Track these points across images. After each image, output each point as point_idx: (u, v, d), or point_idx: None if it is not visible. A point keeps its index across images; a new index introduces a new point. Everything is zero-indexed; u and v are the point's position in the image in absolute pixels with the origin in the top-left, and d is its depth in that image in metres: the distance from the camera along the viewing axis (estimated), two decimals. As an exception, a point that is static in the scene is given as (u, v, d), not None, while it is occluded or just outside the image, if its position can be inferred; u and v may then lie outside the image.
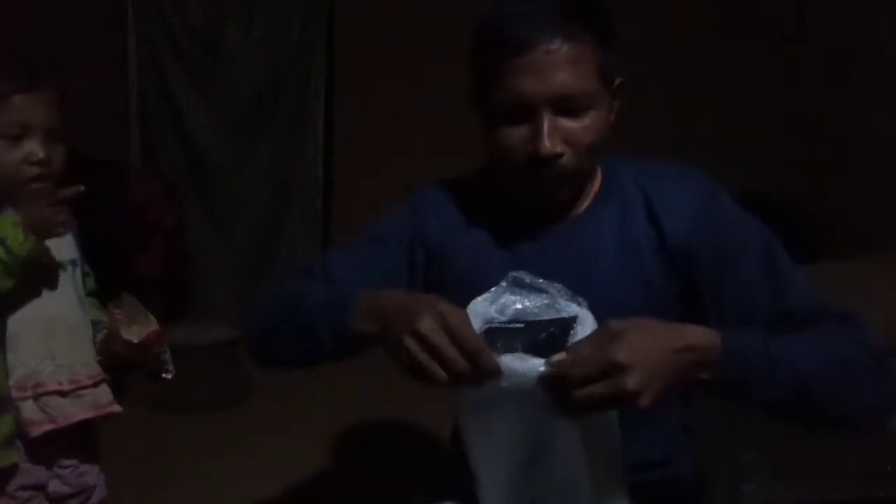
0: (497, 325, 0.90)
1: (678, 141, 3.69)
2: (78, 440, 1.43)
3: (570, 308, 0.89)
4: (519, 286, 0.91)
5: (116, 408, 1.44)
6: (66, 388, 1.35)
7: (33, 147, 1.30)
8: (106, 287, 1.53)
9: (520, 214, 1.12)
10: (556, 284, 0.91)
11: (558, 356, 0.83)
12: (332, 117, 4.32)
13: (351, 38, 4.22)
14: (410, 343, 0.86)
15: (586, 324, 0.87)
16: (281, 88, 4.25)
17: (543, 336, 0.88)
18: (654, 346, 0.81)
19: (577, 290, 1.00)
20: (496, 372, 0.84)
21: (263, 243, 4.38)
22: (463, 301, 1.07)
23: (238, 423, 3.12)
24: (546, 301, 0.89)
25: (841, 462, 1.95)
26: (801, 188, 4.27)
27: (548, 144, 0.98)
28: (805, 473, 1.90)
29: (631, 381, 0.78)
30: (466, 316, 0.89)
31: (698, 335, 0.86)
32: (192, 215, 4.15)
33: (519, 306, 0.89)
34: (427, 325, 0.86)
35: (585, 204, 1.12)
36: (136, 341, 1.36)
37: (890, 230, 3.28)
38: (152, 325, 1.39)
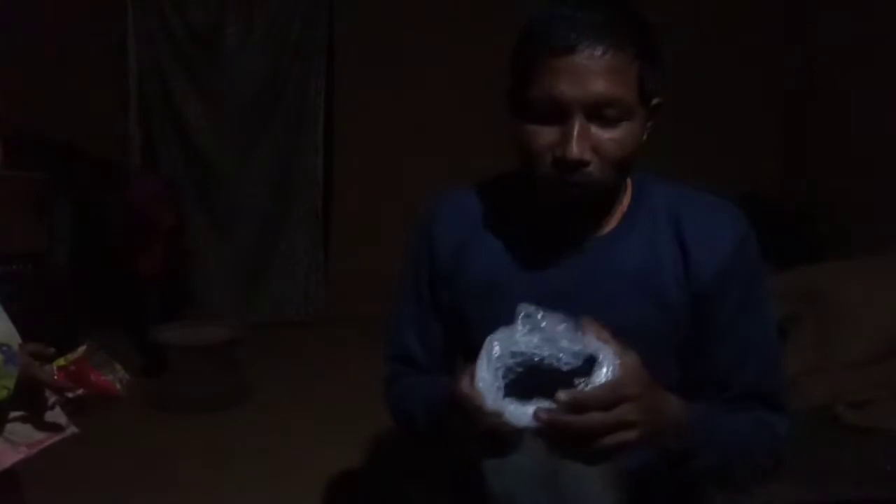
0: (514, 370, 0.88)
1: (678, 141, 3.68)
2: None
3: (589, 347, 0.87)
4: (532, 324, 0.89)
5: (74, 429, 1.34)
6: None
7: None
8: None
9: (544, 229, 1.10)
10: (567, 320, 0.89)
11: (563, 395, 0.84)
12: (332, 117, 4.32)
13: (351, 38, 4.22)
14: None
15: (603, 365, 0.87)
16: (281, 88, 4.26)
17: (563, 377, 0.87)
18: (657, 413, 0.88)
19: (597, 310, 1.01)
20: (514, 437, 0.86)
21: (263, 243, 4.39)
22: (480, 315, 1.07)
23: (238, 423, 3.12)
24: (562, 342, 0.88)
25: (841, 462, 1.96)
26: (800, 188, 4.27)
27: (575, 150, 0.97)
28: (805, 473, 1.90)
29: (635, 437, 0.85)
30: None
31: (682, 411, 0.94)
32: (192, 215, 4.15)
33: (536, 351, 0.87)
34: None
35: (613, 224, 1.09)
36: (120, 393, 1.26)
37: (890, 230, 3.28)
38: (123, 374, 1.28)
